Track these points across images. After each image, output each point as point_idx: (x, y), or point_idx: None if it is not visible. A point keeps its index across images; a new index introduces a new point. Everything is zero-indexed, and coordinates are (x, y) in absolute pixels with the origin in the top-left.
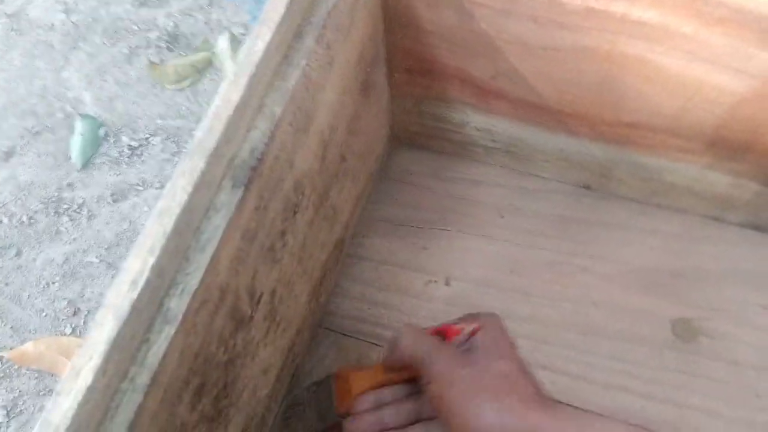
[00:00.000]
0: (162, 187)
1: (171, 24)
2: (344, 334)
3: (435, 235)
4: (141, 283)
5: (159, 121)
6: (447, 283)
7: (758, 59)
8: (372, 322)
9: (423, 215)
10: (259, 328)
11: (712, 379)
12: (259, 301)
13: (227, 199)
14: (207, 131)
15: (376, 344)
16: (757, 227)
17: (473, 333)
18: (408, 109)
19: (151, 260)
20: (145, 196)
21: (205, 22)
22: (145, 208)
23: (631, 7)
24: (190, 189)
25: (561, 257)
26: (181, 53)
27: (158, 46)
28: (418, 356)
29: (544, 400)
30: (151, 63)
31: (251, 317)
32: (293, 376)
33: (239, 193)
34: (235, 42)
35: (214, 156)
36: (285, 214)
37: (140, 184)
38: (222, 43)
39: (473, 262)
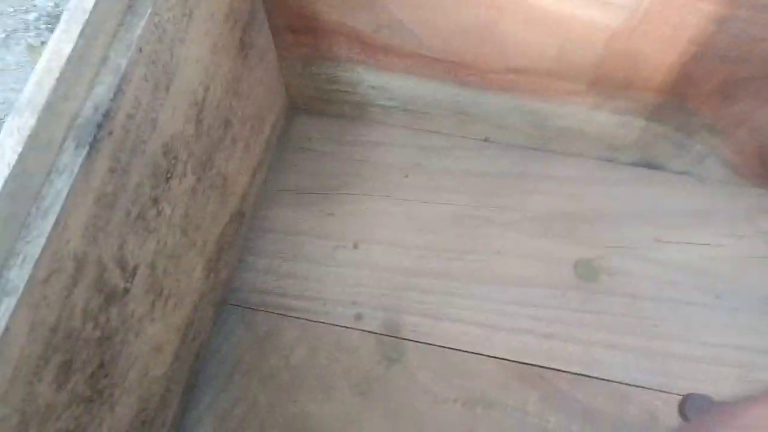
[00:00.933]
0: None
1: (51, 4)
2: (252, 309)
3: (340, 200)
4: None
5: None
6: (355, 247)
7: None
8: (280, 294)
9: (327, 181)
10: (140, 303)
11: (613, 314)
12: (134, 274)
13: (71, 160)
14: (35, 86)
15: (287, 315)
16: (647, 164)
17: None
18: (299, 72)
19: None
20: None
21: None
22: None
23: None
24: (20, 149)
25: (465, 211)
26: None
27: (38, 28)
28: None
29: None
30: (31, 46)
31: (126, 290)
32: (197, 355)
33: (84, 153)
34: None
35: (48, 113)
36: (155, 180)
37: None
38: None
39: (380, 223)
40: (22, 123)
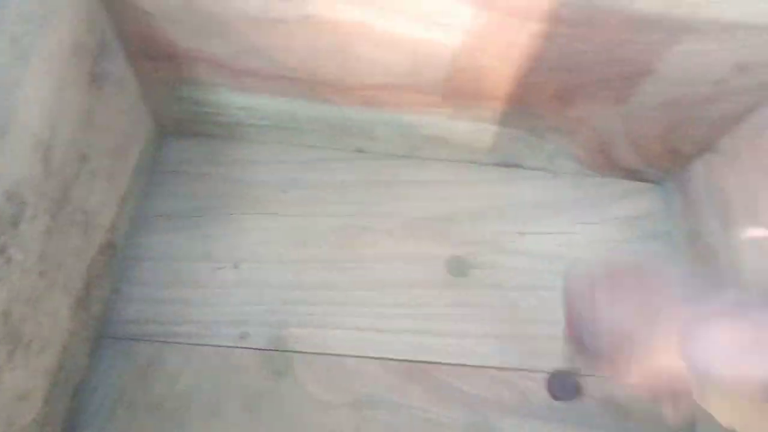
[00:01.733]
0: None
1: None
2: (131, 339)
3: (218, 221)
4: None
5: None
6: (236, 266)
7: (461, 15)
8: (160, 321)
9: (202, 203)
10: None
11: (484, 305)
12: None
13: None
14: None
15: (168, 342)
16: (506, 164)
17: None
18: (165, 97)
19: None
20: None
21: None
22: None
23: None
24: None
25: (344, 220)
26: None
27: None
28: None
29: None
30: None
31: None
32: (74, 395)
33: None
34: None
35: None
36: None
37: None
38: None
39: (260, 241)
40: None
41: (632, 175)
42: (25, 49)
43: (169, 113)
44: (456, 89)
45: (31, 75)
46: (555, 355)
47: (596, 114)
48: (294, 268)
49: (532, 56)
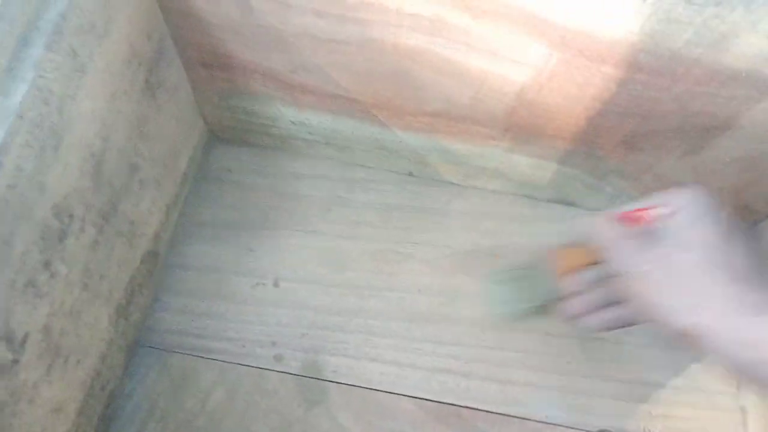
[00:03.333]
0: None
1: None
2: (167, 351)
3: (261, 234)
4: None
5: None
6: (276, 284)
7: (531, 50)
8: (197, 335)
9: (247, 215)
10: (33, 370)
11: (530, 351)
12: (24, 343)
13: None
14: None
15: (204, 357)
16: (562, 201)
17: (669, 216)
18: (216, 105)
19: None
20: None
21: None
22: None
23: (407, 4)
24: None
25: (387, 246)
26: None
27: None
28: (603, 247)
29: (746, 291)
30: None
31: (15, 361)
32: (107, 404)
33: None
34: None
35: None
36: (45, 244)
37: None
38: None
39: (301, 259)
40: None
41: None
42: (83, 62)
43: (220, 119)
44: (516, 124)
45: (87, 87)
46: (604, 413)
47: (664, 162)
48: (333, 291)
49: (602, 100)
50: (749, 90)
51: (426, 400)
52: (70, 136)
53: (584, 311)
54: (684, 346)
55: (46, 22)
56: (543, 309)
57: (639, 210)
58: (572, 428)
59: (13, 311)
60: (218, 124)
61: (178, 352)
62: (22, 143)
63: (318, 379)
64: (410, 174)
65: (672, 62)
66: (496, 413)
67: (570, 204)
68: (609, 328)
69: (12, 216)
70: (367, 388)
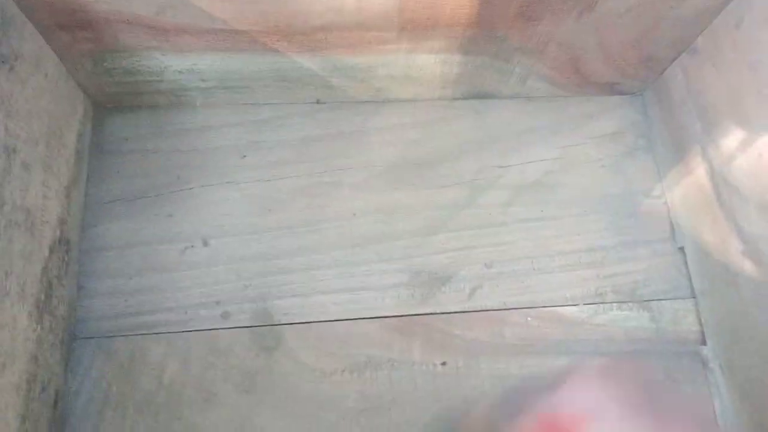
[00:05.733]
0: None
1: None
2: (107, 337)
3: (177, 197)
4: None
5: None
6: (205, 244)
7: None
8: (134, 313)
9: (157, 181)
10: None
11: (474, 246)
12: None
13: None
14: None
15: (148, 334)
16: (477, 95)
17: None
18: (92, 71)
19: None
20: None
21: None
22: None
23: None
24: None
25: (311, 179)
26: None
27: None
28: None
29: None
30: None
31: None
32: (55, 405)
33: None
34: None
35: None
36: None
37: None
38: None
39: (226, 213)
40: None
41: (608, 89)
42: None
43: (101, 87)
44: (410, 20)
45: None
46: (554, 288)
47: (563, 27)
48: (266, 236)
49: None
50: None
51: (385, 317)
52: None
53: None
54: None
55: None
56: None
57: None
58: (526, 308)
59: None
60: (101, 93)
61: (119, 336)
62: None
63: (271, 325)
64: (318, 101)
65: None
66: (452, 312)
67: (485, 96)
68: None
69: None
70: (322, 321)
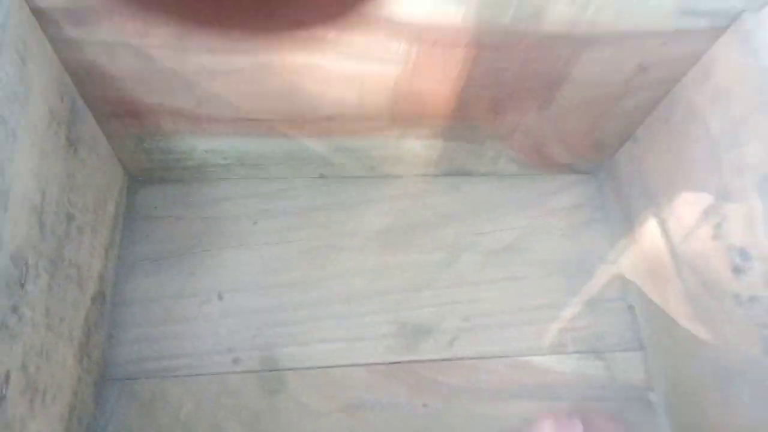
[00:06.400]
0: None
1: None
2: (132, 378)
3: (197, 258)
4: None
5: None
6: (220, 298)
7: (394, 48)
8: (156, 358)
9: (181, 243)
10: (19, 405)
11: (455, 302)
12: (8, 380)
13: None
14: None
15: (167, 376)
16: (456, 172)
17: None
18: (133, 150)
19: None
20: None
21: None
22: None
23: (281, 29)
24: None
25: (313, 243)
26: None
27: None
28: None
29: None
30: None
31: (3, 397)
32: None
33: None
34: None
35: None
36: (10, 290)
37: None
38: None
39: (239, 271)
40: None
41: (567, 168)
42: (13, 127)
43: (138, 163)
44: (401, 112)
45: (20, 150)
46: (522, 339)
47: (525, 119)
48: (274, 292)
49: (462, 77)
50: (568, 48)
51: (375, 364)
52: (14, 194)
53: None
54: None
55: None
56: None
57: None
58: (499, 357)
59: None
60: (137, 167)
61: (142, 378)
62: None
63: (276, 370)
64: (321, 176)
65: (507, 37)
66: (435, 360)
67: (463, 173)
68: None
69: None
70: (321, 367)
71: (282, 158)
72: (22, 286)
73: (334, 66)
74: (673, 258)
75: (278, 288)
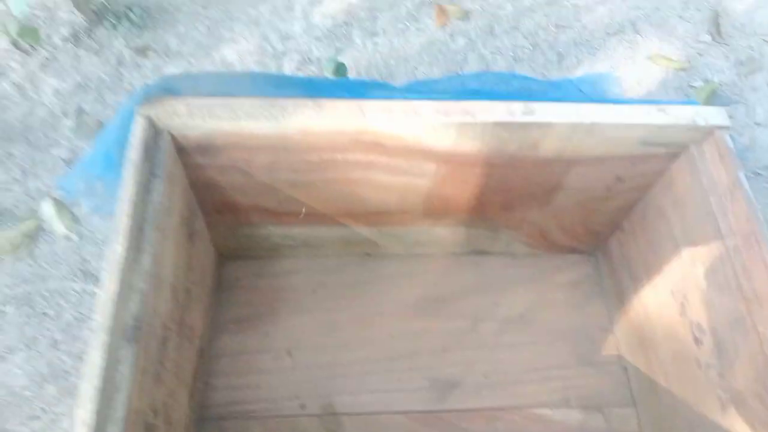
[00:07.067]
0: (28, 347)
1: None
2: (221, 419)
3: (271, 321)
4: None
5: (7, 291)
6: (289, 355)
7: (427, 167)
8: (241, 402)
9: (257, 309)
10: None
11: (477, 361)
12: (157, 413)
13: (126, 353)
14: (101, 317)
15: (249, 418)
16: (476, 252)
17: None
18: (225, 236)
19: (86, 412)
20: (13, 359)
21: (25, 192)
22: (17, 371)
23: (347, 155)
24: (101, 357)
25: (361, 309)
26: (9, 225)
27: None
28: None
29: None
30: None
31: (155, 426)
32: None
33: (133, 347)
34: (59, 204)
35: (111, 329)
36: (160, 348)
37: (6, 350)
38: (46, 208)
39: (303, 332)
40: (99, 341)
41: (569, 250)
42: (164, 232)
43: (227, 244)
44: (432, 208)
45: (167, 246)
46: (532, 395)
47: (531, 214)
48: (330, 350)
49: (480, 186)
50: (558, 167)
51: (413, 412)
52: (163, 278)
53: None
54: None
55: (149, 214)
56: None
57: None
58: (513, 408)
59: (153, 393)
60: (226, 247)
61: (230, 418)
62: (148, 290)
63: (334, 414)
64: (367, 254)
65: (512, 159)
66: (462, 410)
67: (482, 253)
68: None
69: (148, 332)
70: (369, 413)
71: (337, 241)
72: (165, 345)
73: (381, 179)
74: (653, 329)
75: (334, 347)
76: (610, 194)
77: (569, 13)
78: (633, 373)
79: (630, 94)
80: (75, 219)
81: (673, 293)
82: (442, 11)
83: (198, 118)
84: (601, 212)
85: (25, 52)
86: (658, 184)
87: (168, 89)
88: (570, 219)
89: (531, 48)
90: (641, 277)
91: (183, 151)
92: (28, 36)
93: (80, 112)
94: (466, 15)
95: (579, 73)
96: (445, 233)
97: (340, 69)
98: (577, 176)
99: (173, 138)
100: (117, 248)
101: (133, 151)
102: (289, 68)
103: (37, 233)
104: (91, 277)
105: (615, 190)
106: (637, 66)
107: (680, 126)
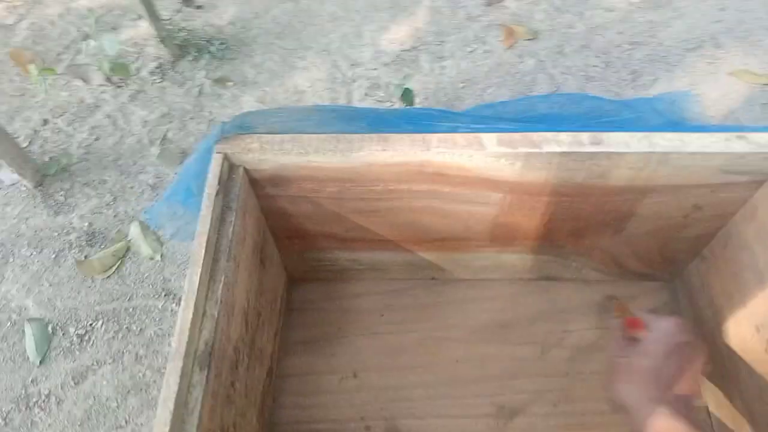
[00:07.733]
0: (114, 361)
1: (86, 224)
2: None
3: (337, 342)
4: None
5: (97, 308)
6: (355, 376)
7: (492, 196)
8: (307, 421)
9: (325, 330)
10: None
11: (550, 390)
12: None
13: (198, 378)
14: (176, 344)
15: None
16: (544, 278)
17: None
18: (295, 260)
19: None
20: (101, 372)
21: (114, 216)
22: (104, 383)
23: (411, 185)
24: (175, 382)
25: (426, 333)
26: (101, 246)
27: (79, 245)
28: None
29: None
30: (77, 261)
31: None
32: None
33: (205, 372)
34: (144, 227)
35: (185, 355)
36: (231, 371)
37: (95, 363)
38: (134, 231)
39: (369, 354)
40: (174, 366)
41: (645, 277)
42: (238, 261)
43: (297, 267)
44: (498, 236)
45: (241, 274)
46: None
47: (602, 241)
48: (396, 373)
49: (547, 214)
50: (630, 195)
51: None
52: (237, 305)
53: None
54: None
55: (225, 243)
56: None
57: (636, 321)
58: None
59: (223, 413)
60: (295, 271)
61: None
62: (221, 316)
63: None
64: (433, 279)
65: (581, 188)
66: None
67: (552, 278)
68: None
69: (220, 357)
70: None
71: (403, 265)
72: (236, 367)
73: (446, 207)
74: (735, 363)
75: (399, 370)
76: (688, 222)
77: (644, 29)
78: (714, 407)
79: (711, 112)
80: (159, 241)
81: (757, 328)
82: (509, 32)
83: (269, 153)
84: (678, 240)
85: (117, 85)
86: (740, 212)
87: (242, 126)
88: (645, 246)
89: (603, 67)
90: (722, 308)
91: (256, 183)
92: (119, 71)
93: (165, 140)
94: (534, 35)
95: (655, 91)
96: (512, 259)
97: (406, 95)
98: (652, 204)
99: (247, 171)
100: (194, 279)
101: (210, 186)
102: (358, 94)
103: (125, 254)
104: (172, 295)
105: (693, 217)
106: (719, 82)
107: (763, 154)
